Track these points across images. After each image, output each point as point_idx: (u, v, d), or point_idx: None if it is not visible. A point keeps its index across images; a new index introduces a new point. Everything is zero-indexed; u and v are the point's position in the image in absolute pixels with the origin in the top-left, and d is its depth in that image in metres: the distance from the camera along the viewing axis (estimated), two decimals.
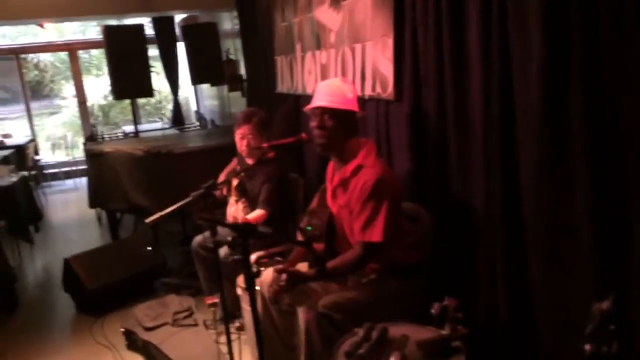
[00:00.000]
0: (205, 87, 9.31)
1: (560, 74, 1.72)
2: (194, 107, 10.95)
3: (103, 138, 7.86)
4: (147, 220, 2.25)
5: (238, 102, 6.58)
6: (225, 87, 6.88)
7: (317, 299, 2.24)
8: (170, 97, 9.73)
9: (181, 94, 9.78)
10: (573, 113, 1.69)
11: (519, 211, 2.02)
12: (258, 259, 3.35)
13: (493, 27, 1.99)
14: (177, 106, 9.60)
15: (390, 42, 2.65)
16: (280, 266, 2.40)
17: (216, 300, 3.53)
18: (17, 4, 5.46)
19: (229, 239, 1.73)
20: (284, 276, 2.26)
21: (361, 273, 2.35)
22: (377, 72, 2.81)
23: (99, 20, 8.06)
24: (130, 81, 5.57)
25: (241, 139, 3.32)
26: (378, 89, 2.80)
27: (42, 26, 8.30)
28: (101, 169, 4.49)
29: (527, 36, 1.84)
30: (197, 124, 9.67)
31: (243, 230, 1.68)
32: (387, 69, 2.70)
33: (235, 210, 3.41)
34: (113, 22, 7.49)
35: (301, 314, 2.30)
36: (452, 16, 2.22)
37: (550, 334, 1.93)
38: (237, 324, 3.45)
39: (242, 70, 6.22)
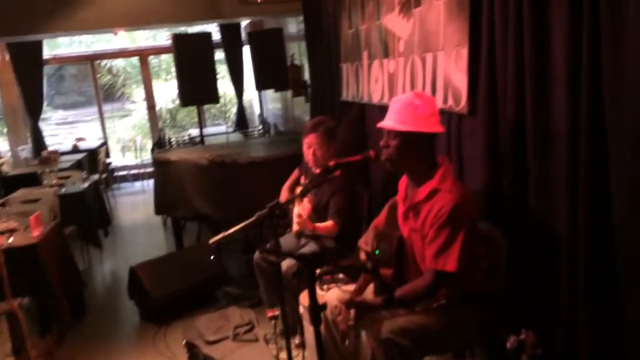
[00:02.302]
0: (269, 91, 9.37)
1: None
2: (257, 111, 11.04)
3: (170, 144, 8.01)
4: (211, 241, 2.20)
5: (302, 107, 6.54)
6: (288, 92, 6.88)
7: (383, 323, 2.12)
8: (235, 100, 9.82)
9: (245, 97, 9.87)
10: None
11: (608, 239, 1.82)
12: (321, 274, 3.26)
13: (583, 36, 1.80)
14: (241, 110, 9.71)
15: (464, 52, 2.48)
16: (346, 296, 2.28)
17: (277, 312, 3.47)
18: (92, 15, 5.67)
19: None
20: (352, 312, 2.14)
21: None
22: (449, 83, 2.65)
23: (169, 27, 8.26)
24: (197, 88, 5.63)
25: (308, 147, 3.28)
26: (450, 102, 2.64)
27: (115, 34, 8.58)
28: (167, 176, 4.53)
29: (621, 45, 1.65)
30: (260, 127, 9.74)
31: (310, 261, 1.58)
32: (461, 81, 2.53)
33: (300, 208, 3.32)
34: (183, 28, 7.63)
35: (366, 339, 2.18)
36: (535, 24, 2.05)
37: None
38: (297, 340, 3.37)
39: (306, 76, 6.17)
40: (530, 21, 2.06)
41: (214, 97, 5.83)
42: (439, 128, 2.17)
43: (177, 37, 5.69)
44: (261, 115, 10.02)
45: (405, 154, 2.16)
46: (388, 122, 2.18)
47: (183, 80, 5.67)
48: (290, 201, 3.28)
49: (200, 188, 4.29)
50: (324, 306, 1.62)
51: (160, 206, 4.80)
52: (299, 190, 3.53)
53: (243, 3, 5.70)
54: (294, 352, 3.29)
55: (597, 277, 1.88)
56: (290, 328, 3.48)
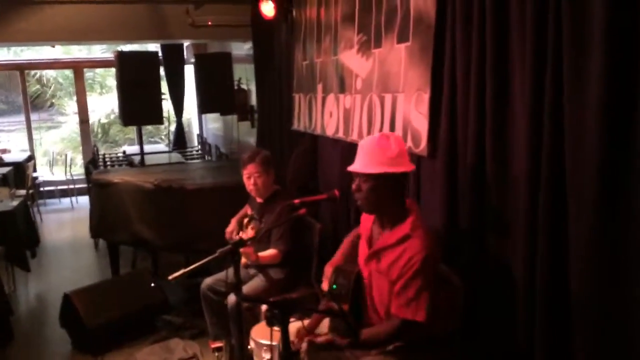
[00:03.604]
0: None
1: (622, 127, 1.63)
2: (196, 130, 10.87)
3: (105, 162, 7.72)
4: (171, 277, 2.13)
5: (248, 132, 6.50)
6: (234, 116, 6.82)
7: None
8: (173, 118, 9.63)
9: (184, 115, 9.70)
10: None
11: (565, 287, 1.91)
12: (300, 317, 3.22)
13: (546, 81, 1.89)
14: (180, 129, 9.52)
15: (426, 97, 2.57)
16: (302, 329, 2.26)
17: (221, 344, 3.39)
18: (33, 27, 5.41)
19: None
20: (304, 346, 2.12)
21: None
22: (408, 125, 2.72)
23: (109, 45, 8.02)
24: (140, 107, 5.46)
25: (248, 178, 3.33)
26: (409, 143, 2.71)
27: (53, 46, 8.25)
28: (107, 199, 4.35)
29: (584, 88, 1.74)
30: (199, 147, 9.58)
31: (284, 306, 1.56)
32: (421, 124, 2.61)
33: (243, 234, 3.30)
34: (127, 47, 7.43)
35: None
36: (496, 73, 2.14)
37: None
38: None
39: (253, 101, 6.16)
40: (492, 68, 2.15)
41: (157, 118, 5.68)
42: (409, 166, 2.19)
43: (121, 55, 5.52)
44: (200, 135, 9.87)
45: (378, 197, 2.16)
46: (357, 166, 2.18)
47: (125, 98, 5.49)
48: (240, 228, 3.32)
49: (143, 213, 4.14)
50: (296, 353, 1.60)
51: (97, 229, 4.59)
52: (246, 221, 3.51)
53: (193, 25, 5.62)
54: None
55: (555, 324, 1.96)
56: None
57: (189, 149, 9.41)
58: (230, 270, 2.20)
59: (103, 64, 10.85)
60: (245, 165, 3.31)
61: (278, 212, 3.18)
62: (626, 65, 1.62)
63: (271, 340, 2.20)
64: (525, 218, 2.04)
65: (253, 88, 6.04)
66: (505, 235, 2.20)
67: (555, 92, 1.86)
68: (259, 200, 3.42)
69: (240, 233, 3.23)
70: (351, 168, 2.21)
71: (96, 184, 4.46)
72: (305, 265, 3.35)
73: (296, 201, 2.26)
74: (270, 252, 3.19)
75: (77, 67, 9.93)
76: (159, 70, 5.76)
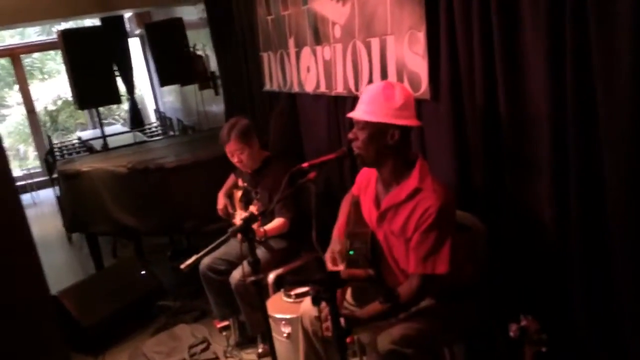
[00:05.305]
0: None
1: None
2: (151, 106, 10.43)
3: (62, 152, 7.31)
4: (183, 266, 1.96)
5: (212, 100, 6.20)
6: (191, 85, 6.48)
7: (379, 336, 1.99)
8: (125, 96, 9.18)
9: (137, 92, 9.25)
10: None
11: (601, 219, 1.82)
12: (277, 279, 3.09)
13: (567, 9, 1.73)
14: (134, 106, 9.08)
15: (421, 35, 2.39)
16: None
17: (227, 323, 3.26)
18: None
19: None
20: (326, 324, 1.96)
21: None
22: (403, 69, 2.55)
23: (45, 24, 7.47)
24: (94, 88, 5.12)
25: (231, 156, 3.18)
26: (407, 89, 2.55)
27: None
28: (78, 189, 4.06)
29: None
30: (158, 123, 9.20)
31: (331, 281, 1.40)
32: (419, 65, 2.44)
33: (244, 213, 3.14)
34: (64, 24, 6.92)
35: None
36: None
37: None
38: (259, 350, 3.18)
39: (213, 67, 5.85)
40: None
41: (114, 97, 5.35)
42: (413, 122, 2.02)
43: (65, 34, 5.12)
44: (158, 110, 9.46)
45: (374, 148, 2.02)
46: (356, 113, 2.04)
47: (77, 80, 5.13)
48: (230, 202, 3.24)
49: (121, 199, 3.89)
50: (348, 331, 1.46)
51: (73, 222, 4.32)
52: (238, 194, 3.33)
53: None
54: (253, 357, 3.13)
55: (590, 261, 1.88)
56: (249, 339, 3.31)
57: (148, 126, 9.02)
58: (245, 248, 2.03)
59: (41, 47, 10.20)
60: (224, 144, 3.13)
61: (282, 179, 3.00)
62: None
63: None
64: (551, 157, 1.92)
65: (211, 53, 5.72)
66: (527, 177, 2.07)
67: (577, 14, 1.70)
68: (249, 170, 3.25)
69: (250, 207, 3.03)
70: (350, 114, 2.08)
71: (64, 175, 4.16)
72: (304, 231, 3.21)
73: (305, 165, 2.09)
74: (277, 222, 3.06)
75: (13, 55, 9.30)
76: (107, 46, 5.37)
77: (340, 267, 2.08)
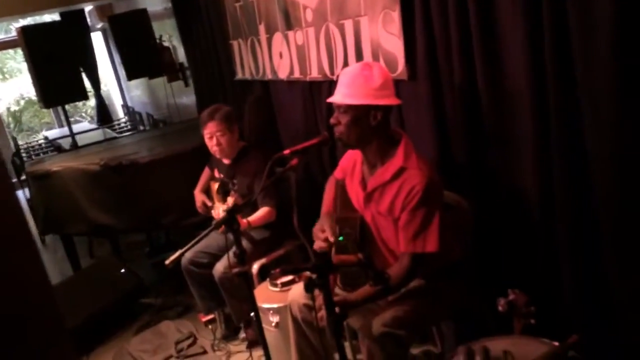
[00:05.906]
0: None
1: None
2: (117, 101, 10.21)
3: (30, 153, 7.12)
4: (167, 262, 1.91)
5: (182, 92, 6.09)
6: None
7: (371, 319, 1.98)
8: (91, 92, 8.94)
9: (103, 87, 9.03)
10: None
11: (587, 192, 1.83)
12: (261, 269, 3.06)
13: None
14: (101, 103, 8.86)
15: (395, 15, 2.36)
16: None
17: (212, 316, 3.23)
18: None
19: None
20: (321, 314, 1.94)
21: None
22: (379, 49, 2.52)
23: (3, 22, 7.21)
24: (59, 85, 4.96)
25: (210, 138, 3.07)
26: None
27: None
28: (50, 190, 3.94)
29: None
30: (127, 119, 9.03)
31: (323, 266, 1.38)
32: (394, 46, 2.42)
33: (225, 206, 3.08)
34: (22, 21, 6.69)
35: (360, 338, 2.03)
36: None
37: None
38: (241, 336, 3.17)
39: (181, 58, 5.73)
40: None
41: (80, 93, 5.20)
42: (393, 100, 2.03)
43: (25, 30, 4.94)
44: (125, 105, 9.26)
45: (357, 130, 2.00)
46: (337, 97, 2.02)
47: (41, 78, 4.97)
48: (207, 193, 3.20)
49: (95, 197, 3.79)
50: (343, 316, 1.45)
51: (46, 225, 4.18)
52: (215, 186, 3.28)
53: None
54: (241, 348, 3.10)
55: (577, 227, 1.89)
56: (233, 329, 3.28)
57: (117, 122, 8.83)
58: (230, 240, 2.00)
59: (0, 46, 9.88)
60: (205, 123, 3.03)
61: (262, 168, 2.95)
62: None
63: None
64: (532, 131, 1.92)
65: (178, 44, 5.60)
66: (509, 152, 2.08)
67: None
68: (225, 161, 3.19)
69: (228, 199, 2.98)
70: (330, 99, 2.04)
71: (33, 176, 4.03)
72: (286, 220, 3.18)
73: (286, 152, 2.05)
74: (262, 211, 3.00)
75: None
76: (71, 41, 5.21)
77: (331, 239, 2.05)
